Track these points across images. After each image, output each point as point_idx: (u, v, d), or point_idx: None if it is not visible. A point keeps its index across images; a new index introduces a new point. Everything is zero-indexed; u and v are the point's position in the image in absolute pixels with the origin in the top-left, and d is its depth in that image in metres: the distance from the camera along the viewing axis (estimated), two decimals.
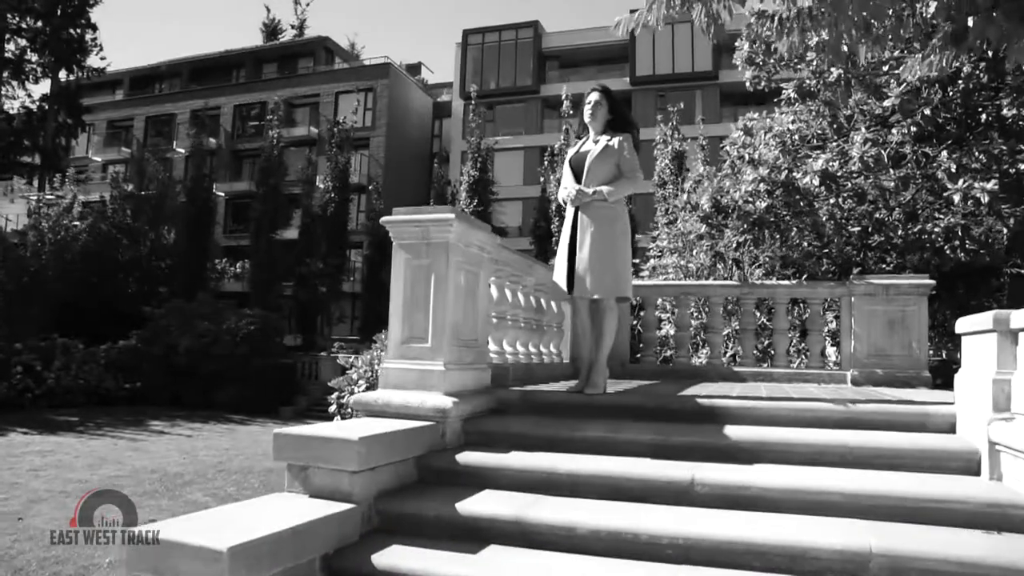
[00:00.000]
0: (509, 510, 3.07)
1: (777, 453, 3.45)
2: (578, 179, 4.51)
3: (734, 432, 3.60)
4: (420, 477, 3.62)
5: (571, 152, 4.71)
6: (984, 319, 3.17)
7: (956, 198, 6.72)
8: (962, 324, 3.52)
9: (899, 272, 7.89)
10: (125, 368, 22.00)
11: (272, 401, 21.71)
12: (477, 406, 4.12)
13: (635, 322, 8.14)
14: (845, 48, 4.91)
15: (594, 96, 4.61)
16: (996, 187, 6.51)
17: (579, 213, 4.42)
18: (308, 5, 63.59)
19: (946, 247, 7.92)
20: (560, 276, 4.56)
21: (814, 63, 7.89)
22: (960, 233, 7.90)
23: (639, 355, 7.27)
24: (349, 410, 7.16)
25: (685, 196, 8.61)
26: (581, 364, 4.61)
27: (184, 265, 28.86)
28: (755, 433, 3.58)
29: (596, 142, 4.52)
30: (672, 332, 7.97)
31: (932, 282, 6.40)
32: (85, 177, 38.43)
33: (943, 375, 8.48)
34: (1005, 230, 8.71)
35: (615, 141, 4.44)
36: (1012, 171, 6.96)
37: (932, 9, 4.09)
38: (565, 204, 4.59)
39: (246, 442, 15.03)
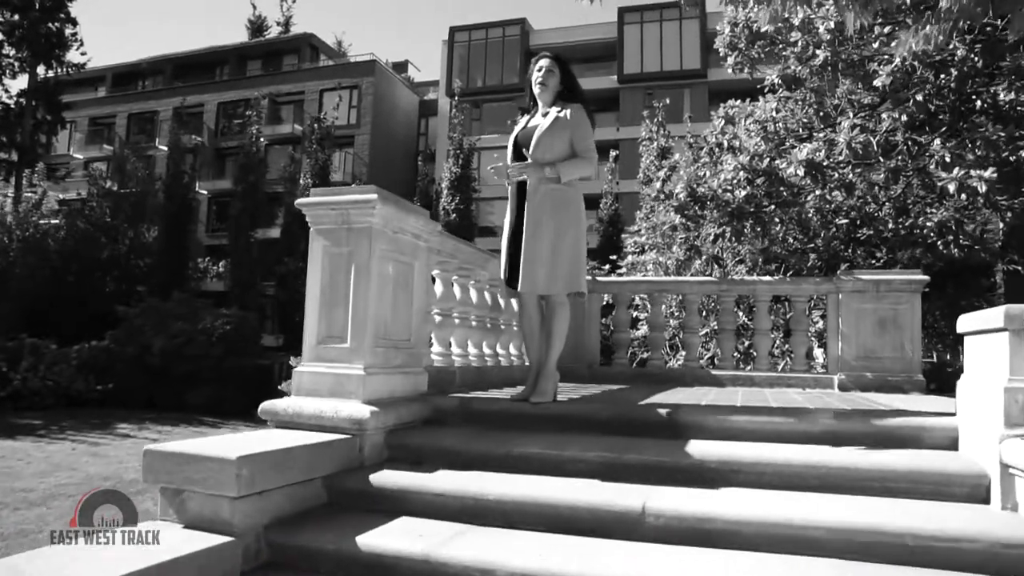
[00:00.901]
0: (421, 546, 2.52)
1: (749, 474, 2.91)
2: (524, 158, 3.93)
3: (700, 449, 3.07)
4: (330, 500, 3.07)
5: (517, 128, 4.10)
6: (994, 316, 2.65)
7: (951, 188, 6.21)
8: (965, 322, 2.99)
9: (889, 268, 7.40)
10: (98, 369, 21.37)
11: (247, 402, 21.11)
12: (405, 416, 3.56)
13: (606, 319, 7.61)
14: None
15: (545, 62, 4.03)
16: (994, 176, 6.00)
17: (526, 196, 3.84)
18: (294, 2, 62.97)
19: (939, 242, 7.43)
20: (503, 269, 3.98)
21: (799, 45, 7.37)
22: (953, 227, 7.42)
23: (612, 356, 6.73)
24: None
25: (659, 184, 8.04)
26: (530, 368, 4.03)
27: (163, 264, 28.25)
28: (724, 450, 3.04)
29: (545, 115, 3.95)
30: (646, 332, 7.42)
31: (926, 278, 5.90)
32: (65, 174, 37.66)
33: (936, 379, 8.00)
34: (1002, 224, 8.24)
35: (566, 113, 3.87)
36: (1012, 159, 6.45)
37: None
38: (508, 185, 4.02)
39: None
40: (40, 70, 33.59)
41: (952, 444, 3.05)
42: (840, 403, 4.41)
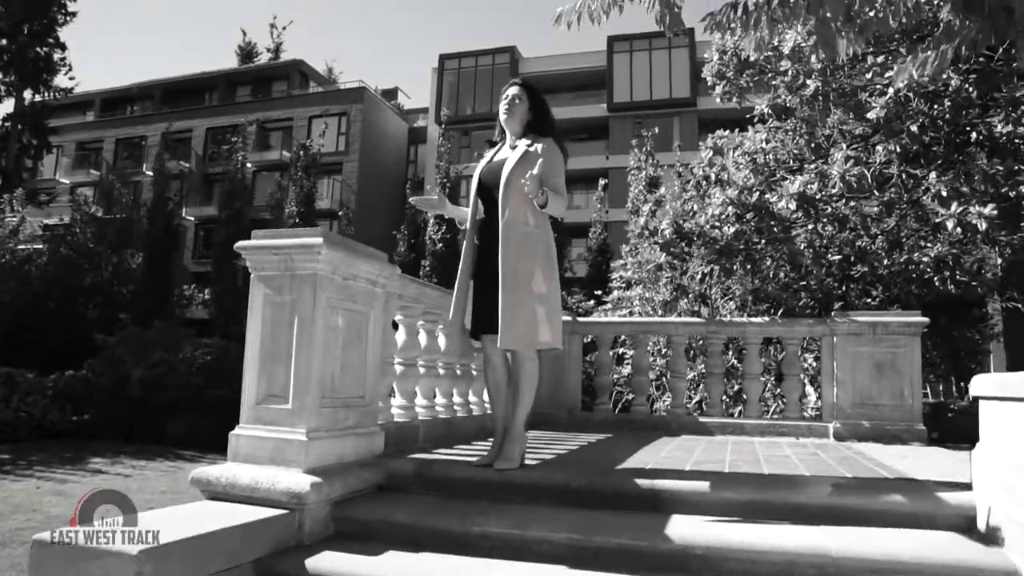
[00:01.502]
0: None
1: (741, 561, 2.54)
2: (491, 195, 3.55)
3: (684, 531, 2.69)
4: None
5: (483, 162, 3.73)
6: (1017, 383, 2.30)
7: (949, 224, 5.91)
8: (982, 385, 2.65)
9: (886, 307, 7.08)
10: (75, 399, 20.83)
11: (227, 434, 20.62)
12: (355, 484, 3.18)
13: (590, 357, 7.25)
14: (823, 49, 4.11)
15: (513, 90, 3.68)
16: (995, 212, 5.71)
17: (499, 237, 3.40)
18: (284, 29, 63.07)
19: (935, 278, 7.12)
20: (460, 313, 3.56)
21: (789, 74, 7.11)
22: (951, 263, 7.12)
23: (595, 401, 6.35)
24: None
25: (643, 220, 7.70)
26: (495, 427, 3.63)
27: (147, 291, 27.77)
28: (711, 532, 2.67)
29: (514, 147, 3.58)
30: (631, 373, 7.04)
31: (925, 320, 5.58)
32: (50, 199, 37.23)
33: (936, 424, 7.64)
34: (1000, 260, 7.96)
35: (537, 147, 3.50)
36: (1012, 194, 6.17)
37: None
38: (464, 226, 3.66)
39: (185, 484, 13.92)
40: (27, 94, 33.31)
41: (968, 524, 2.69)
42: (837, 462, 4.06)
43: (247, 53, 48.52)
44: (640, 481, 3.11)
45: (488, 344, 3.54)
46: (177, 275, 31.39)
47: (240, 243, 3.20)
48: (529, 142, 3.55)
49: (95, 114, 45.39)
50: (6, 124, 33.00)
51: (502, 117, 3.66)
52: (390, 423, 3.94)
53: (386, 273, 3.55)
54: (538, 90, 3.75)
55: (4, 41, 32.03)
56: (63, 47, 33.50)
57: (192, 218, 37.67)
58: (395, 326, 4.21)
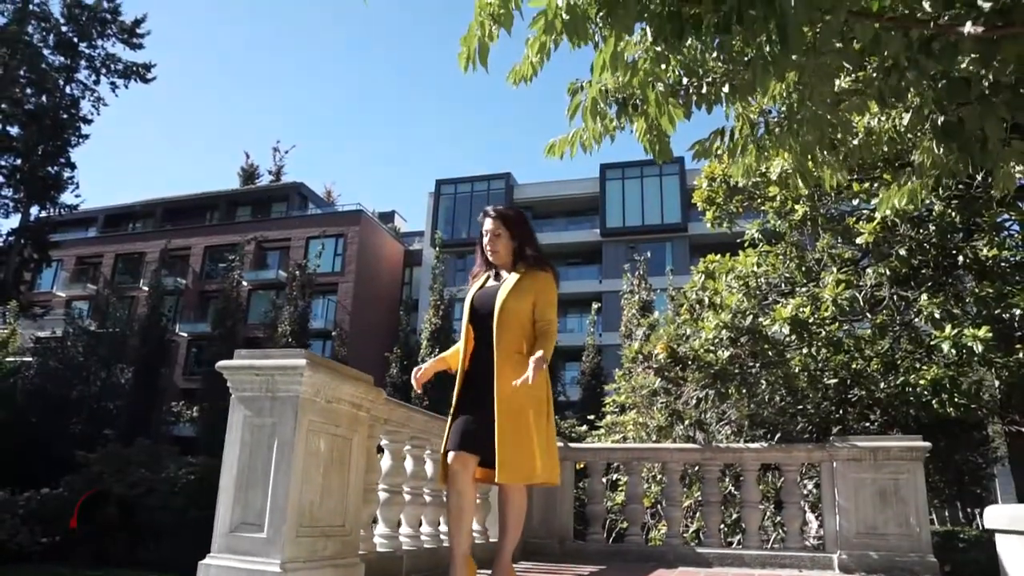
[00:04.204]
0: None
1: None
2: (484, 322, 3.48)
3: None
4: None
5: (473, 289, 3.67)
6: None
7: (945, 347, 5.89)
8: (997, 518, 2.52)
9: (885, 430, 6.95)
10: (47, 519, 20.02)
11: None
12: None
13: (581, 483, 7.02)
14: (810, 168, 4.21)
15: (489, 224, 3.60)
16: (990, 334, 5.70)
17: (495, 372, 3.32)
18: (287, 153, 65.46)
19: (934, 400, 7.04)
20: (454, 439, 3.38)
21: (778, 200, 7.30)
22: (948, 385, 7.06)
23: (587, 530, 6.09)
24: None
25: (636, 344, 7.69)
26: (452, 559, 3.31)
27: (133, 407, 27.32)
28: None
29: (507, 278, 3.55)
30: (625, 501, 6.80)
31: (927, 444, 5.43)
32: (44, 312, 37.24)
33: (947, 555, 7.35)
34: (997, 382, 7.89)
35: (531, 276, 3.47)
36: (1006, 316, 6.19)
37: (906, 120, 3.38)
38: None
39: None
40: (34, 209, 33.96)
41: None
42: None
43: (249, 175, 50.12)
44: None
45: (458, 463, 3.32)
46: (166, 391, 31.00)
47: (221, 363, 3.12)
48: (522, 270, 3.50)
49: (97, 230, 46.21)
50: (9, 238, 33.48)
51: (489, 255, 3.60)
52: (372, 553, 3.72)
53: (371, 396, 3.46)
54: (513, 217, 3.66)
55: (19, 161, 32.97)
56: (73, 166, 34.50)
57: (185, 334, 37.66)
58: (380, 451, 4.07)
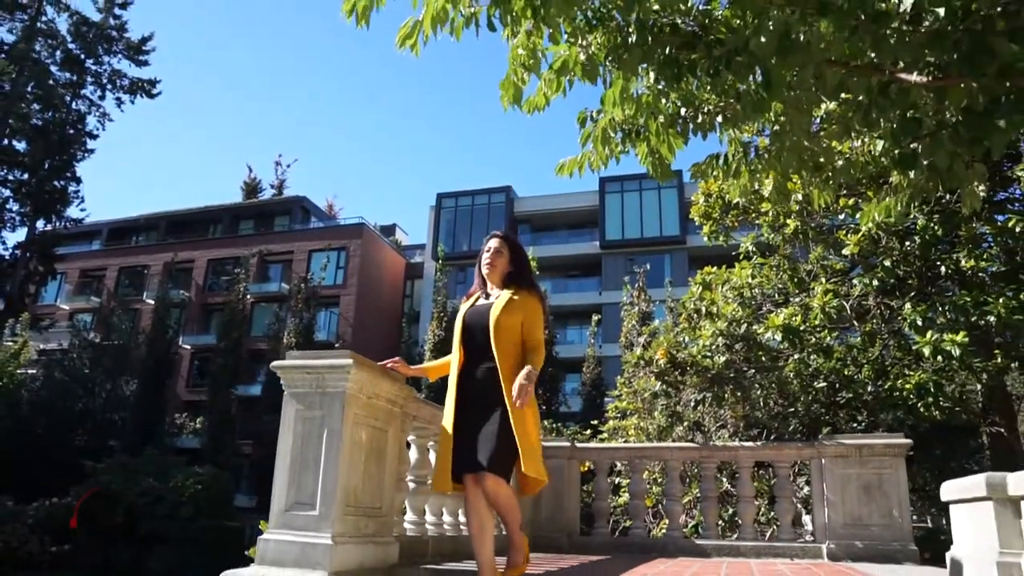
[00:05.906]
0: None
1: None
2: (476, 339, 3.65)
3: None
4: None
5: (465, 307, 3.84)
6: (975, 484, 2.61)
7: (926, 351, 6.32)
8: (948, 490, 2.94)
9: (871, 431, 7.35)
10: (56, 528, 20.28)
11: (213, 567, 20.01)
12: None
13: (586, 486, 7.43)
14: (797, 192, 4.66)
15: (494, 243, 3.79)
16: (967, 340, 6.12)
17: (469, 379, 3.57)
18: (289, 167, 65.93)
19: (919, 404, 7.46)
20: (445, 474, 3.47)
21: (771, 215, 7.74)
22: (932, 389, 7.47)
23: (593, 525, 6.49)
24: None
25: (638, 351, 8.12)
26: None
27: (138, 418, 27.65)
28: None
29: (498, 296, 3.72)
30: (628, 500, 7.21)
31: (908, 441, 5.85)
32: (49, 324, 37.54)
33: (930, 546, 7.74)
34: (979, 386, 8.30)
35: (521, 296, 3.66)
36: (982, 323, 6.62)
37: (879, 147, 3.83)
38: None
39: None
40: (40, 223, 34.32)
41: None
42: None
43: (252, 189, 50.55)
44: None
45: (470, 486, 3.42)
46: (169, 403, 31.28)
47: (275, 363, 3.54)
48: (512, 291, 3.68)
49: (101, 243, 46.52)
50: (15, 252, 33.84)
51: (484, 270, 3.80)
52: (402, 536, 4.13)
53: (404, 394, 3.88)
54: (519, 244, 3.93)
55: (26, 175, 33.35)
56: (78, 180, 34.87)
57: (188, 346, 37.94)
58: (407, 446, 4.48)
